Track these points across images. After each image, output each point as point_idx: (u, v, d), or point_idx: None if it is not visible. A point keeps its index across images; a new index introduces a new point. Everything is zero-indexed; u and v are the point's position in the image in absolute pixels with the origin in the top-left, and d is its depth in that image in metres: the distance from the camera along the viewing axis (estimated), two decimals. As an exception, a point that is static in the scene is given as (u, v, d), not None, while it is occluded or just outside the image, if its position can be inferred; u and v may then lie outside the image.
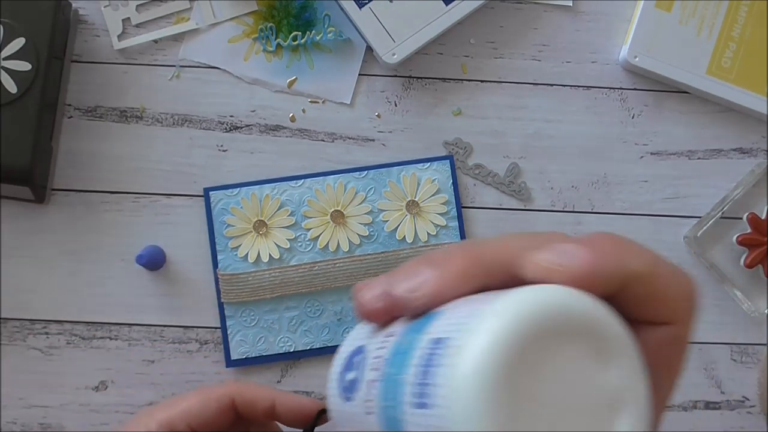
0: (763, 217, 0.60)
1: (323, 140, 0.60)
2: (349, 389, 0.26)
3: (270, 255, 0.58)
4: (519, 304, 0.21)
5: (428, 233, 0.59)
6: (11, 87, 0.53)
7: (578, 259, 0.22)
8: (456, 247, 0.24)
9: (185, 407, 0.36)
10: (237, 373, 0.58)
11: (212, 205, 0.58)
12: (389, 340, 0.24)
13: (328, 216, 0.58)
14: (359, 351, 0.26)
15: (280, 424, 0.39)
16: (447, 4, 0.59)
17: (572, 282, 0.22)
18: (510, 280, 0.23)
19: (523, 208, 0.61)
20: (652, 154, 0.62)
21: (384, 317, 0.25)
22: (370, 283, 0.25)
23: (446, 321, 0.22)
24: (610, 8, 0.62)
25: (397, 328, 0.25)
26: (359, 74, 0.61)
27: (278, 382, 0.58)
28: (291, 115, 0.60)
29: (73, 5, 0.59)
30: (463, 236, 0.59)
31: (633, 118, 0.62)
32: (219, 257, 0.58)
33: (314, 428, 0.38)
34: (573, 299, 0.21)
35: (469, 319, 0.21)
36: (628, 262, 0.22)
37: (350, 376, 0.26)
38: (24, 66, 0.54)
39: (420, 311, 0.24)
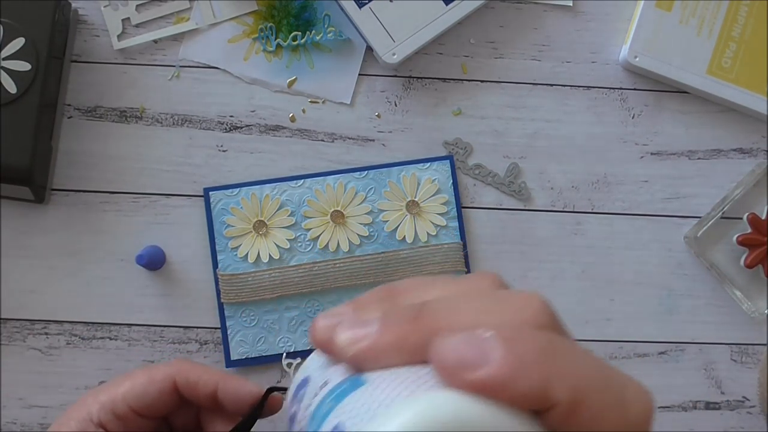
0: (763, 217, 0.60)
1: (323, 140, 0.60)
2: (291, 421, 0.25)
3: (270, 255, 0.58)
4: (404, 417, 0.18)
5: (428, 233, 0.59)
6: (11, 87, 0.53)
7: (490, 363, 0.18)
8: (410, 310, 0.21)
9: (128, 387, 0.35)
10: (237, 374, 0.58)
11: (212, 205, 0.58)
12: (320, 392, 0.23)
13: (328, 216, 0.58)
14: (305, 383, 0.25)
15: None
16: (447, 4, 0.59)
17: (478, 390, 0.18)
18: None
19: (523, 208, 0.61)
20: (652, 154, 0.62)
21: (328, 352, 0.23)
22: (334, 311, 0.23)
23: (357, 403, 0.20)
24: (610, 8, 0.62)
25: (335, 376, 0.23)
26: (359, 74, 0.61)
27: (278, 382, 0.58)
28: (291, 115, 0.60)
29: (73, 5, 0.59)
30: (463, 236, 0.59)
31: (633, 118, 0.62)
32: (219, 257, 0.58)
33: (255, 418, 0.35)
34: (471, 415, 0.18)
35: (367, 418, 0.19)
36: (549, 383, 0.18)
37: (293, 409, 0.25)
38: (24, 66, 0.54)
39: (352, 365, 0.22)
